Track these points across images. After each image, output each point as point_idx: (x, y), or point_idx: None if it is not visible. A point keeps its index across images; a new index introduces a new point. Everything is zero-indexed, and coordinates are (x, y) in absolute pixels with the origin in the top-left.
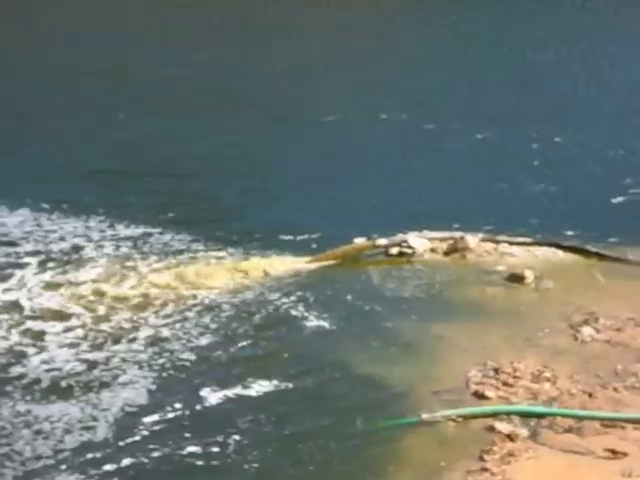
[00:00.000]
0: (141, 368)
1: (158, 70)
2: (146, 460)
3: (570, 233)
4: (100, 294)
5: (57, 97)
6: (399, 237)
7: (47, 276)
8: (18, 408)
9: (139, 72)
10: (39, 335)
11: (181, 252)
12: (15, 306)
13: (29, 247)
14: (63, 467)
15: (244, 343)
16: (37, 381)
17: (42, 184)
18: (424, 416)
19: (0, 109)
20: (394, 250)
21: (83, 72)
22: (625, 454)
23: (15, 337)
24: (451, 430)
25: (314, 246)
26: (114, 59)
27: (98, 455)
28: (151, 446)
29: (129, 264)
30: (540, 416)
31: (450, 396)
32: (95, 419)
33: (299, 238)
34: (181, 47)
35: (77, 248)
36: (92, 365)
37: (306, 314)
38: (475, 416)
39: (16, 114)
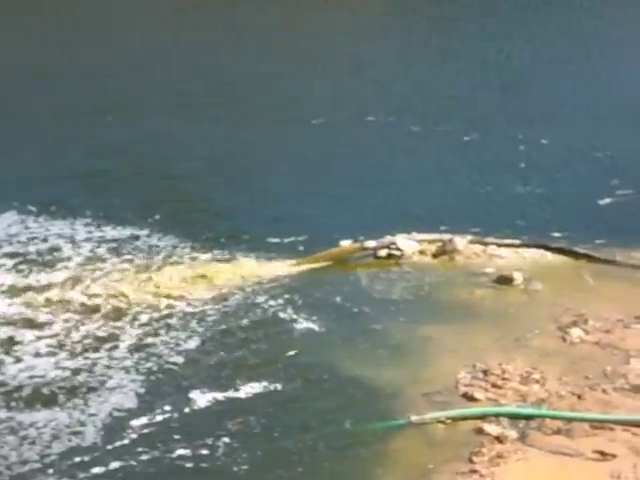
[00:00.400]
0: (128, 373)
1: (146, 71)
2: (135, 463)
3: (557, 235)
4: (82, 298)
5: (45, 98)
6: (388, 239)
7: (25, 280)
8: (1, 416)
9: (126, 73)
10: (11, 342)
11: (167, 254)
12: None
13: (10, 249)
14: (50, 471)
15: (233, 346)
16: (18, 389)
17: (30, 186)
18: (413, 418)
19: None
20: (383, 252)
21: (70, 73)
22: (614, 456)
23: None
24: (440, 432)
25: (301, 248)
26: (102, 60)
27: (86, 459)
28: (140, 449)
29: (115, 267)
30: (529, 418)
31: (439, 398)
32: (83, 424)
33: (286, 240)
34: (170, 49)
35: (60, 251)
36: (75, 372)
37: (295, 316)
38: (464, 418)
39: (1, 115)
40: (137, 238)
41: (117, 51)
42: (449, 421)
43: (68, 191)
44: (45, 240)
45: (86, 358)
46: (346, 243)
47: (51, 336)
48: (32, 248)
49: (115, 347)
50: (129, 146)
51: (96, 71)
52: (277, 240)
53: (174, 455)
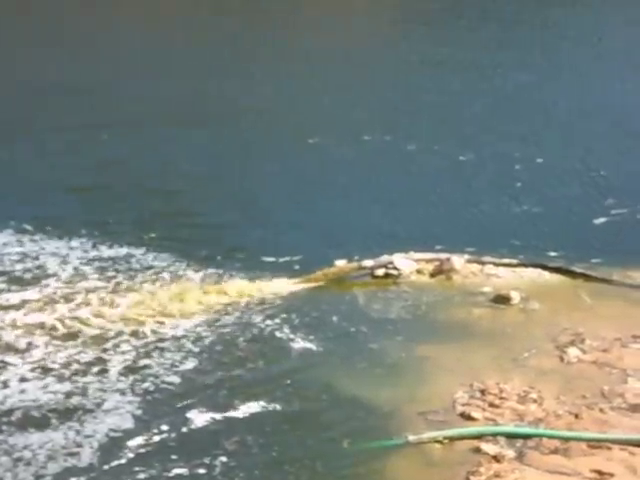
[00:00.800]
0: (124, 394)
1: (141, 86)
2: None
3: (553, 254)
4: (74, 319)
5: (39, 113)
6: (385, 258)
7: (13, 300)
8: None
9: (121, 89)
10: None
11: (163, 273)
12: None
13: (2, 269)
14: None
15: (229, 365)
16: (9, 413)
17: (26, 204)
18: (410, 437)
19: None
20: (380, 271)
21: (64, 87)
22: (612, 475)
23: None
24: (437, 451)
25: (297, 267)
26: (96, 74)
27: (82, 479)
28: (137, 468)
29: (110, 286)
30: (526, 437)
31: (436, 417)
32: (79, 445)
33: (281, 260)
34: (166, 63)
35: (54, 271)
36: (69, 394)
37: (292, 336)
38: (461, 437)
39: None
40: (132, 256)
41: (111, 65)
42: (446, 440)
43: (64, 209)
44: (38, 259)
45: (79, 381)
46: (341, 262)
47: (41, 359)
48: (25, 267)
49: (109, 369)
50: (126, 162)
51: (91, 85)
52: (272, 259)
53: (171, 474)
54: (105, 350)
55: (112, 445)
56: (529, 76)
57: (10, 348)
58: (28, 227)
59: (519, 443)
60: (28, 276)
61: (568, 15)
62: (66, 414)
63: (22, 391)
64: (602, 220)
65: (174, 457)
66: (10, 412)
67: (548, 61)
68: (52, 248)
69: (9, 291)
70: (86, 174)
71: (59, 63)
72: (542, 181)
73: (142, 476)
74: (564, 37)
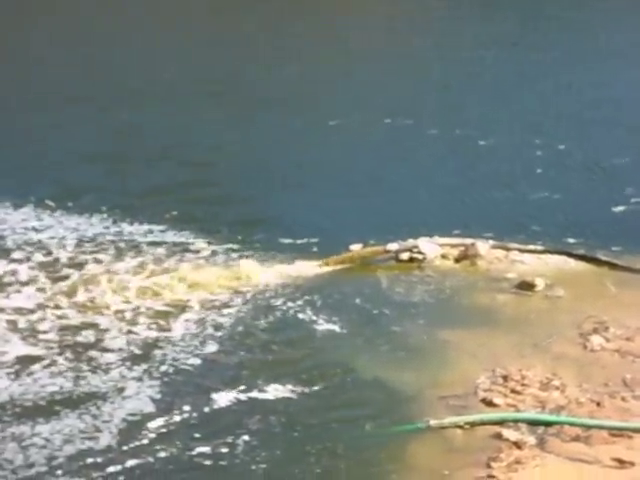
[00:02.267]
0: (143, 378)
1: (167, 61)
2: (152, 460)
3: (572, 241)
4: (93, 298)
5: (59, 88)
6: (410, 242)
7: (32, 279)
8: (9, 427)
9: (146, 61)
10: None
11: (183, 251)
12: None
13: (20, 246)
14: (59, 472)
15: (252, 348)
16: (22, 397)
17: (46, 178)
18: (432, 422)
19: (4, 102)
20: (405, 255)
21: (87, 60)
22: (632, 464)
23: None
24: (458, 437)
25: (314, 249)
26: (123, 46)
27: (100, 460)
28: (158, 447)
29: (129, 264)
30: (548, 424)
31: (458, 402)
32: (98, 429)
33: (299, 242)
34: (193, 42)
35: (72, 248)
36: (86, 379)
37: (315, 318)
38: (483, 423)
39: (24, 106)
40: (152, 233)
41: (139, 38)
42: (468, 426)
43: (85, 183)
44: (58, 236)
45: (95, 364)
46: (357, 246)
47: (58, 339)
48: (44, 244)
49: (127, 351)
50: (148, 136)
51: (116, 58)
52: (290, 241)
53: (193, 453)
54: (122, 331)
55: (132, 427)
56: (555, 62)
57: (24, 329)
58: (49, 202)
59: (540, 430)
60: (51, 255)
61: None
62: (84, 399)
63: (31, 374)
64: (622, 208)
65: (196, 436)
66: (24, 397)
67: (576, 47)
68: (72, 224)
69: (32, 269)
70: (106, 147)
71: (86, 37)
72: (562, 168)
73: (163, 455)
74: (595, 21)
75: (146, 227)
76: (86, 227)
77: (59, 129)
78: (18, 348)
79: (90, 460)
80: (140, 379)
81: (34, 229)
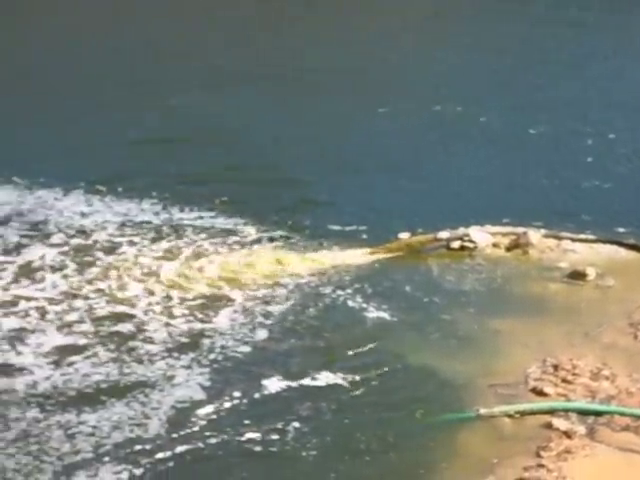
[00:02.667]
0: (193, 366)
1: (219, 45)
2: (202, 446)
3: (622, 230)
4: (143, 285)
5: (110, 72)
6: (461, 231)
7: (84, 264)
8: (54, 415)
9: (209, 48)
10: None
11: (232, 239)
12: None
13: (69, 232)
14: (106, 459)
15: (302, 335)
16: (67, 389)
17: (97, 163)
18: (481, 411)
19: (56, 86)
20: (456, 244)
21: (148, 47)
22: None
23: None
24: (508, 426)
25: (364, 237)
26: (187, 33)
27: (149, 447)
28: (208, 434)
29: (177, 250)
30: (598, 414)
31: (508, 391)
32: (146, 417)
33: (348, 229)
34: (256, 29)
35: (122, 232)
36: (131, 368)
37: (365, 305)
38: (533, 412)
39: (73, 90)
40: (202, 219)
41: (194, 23)
42: (517, 415)
43: (136, 168)
44: (104, 222)
45: (145, 353)
46: (405, 235)
47: (97, 328)
48: (88, 229)
49: (178, 338)
50: (199, 120)
51: (169, 42)
52: (339, 228)
53: (243, 439)
54: (168, 319)
55: (182, 414)
56: (613, 53)
57: (60, 318)
58: (99, 187)
59: (590, 420)
60: (100, 241)
61: None
62: (131, 388)
63: (72, 364)
64: None
65: (247, 423)
66: (68, 386)
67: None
68: (123, 209)
69: (84, 255)
70: (158, 131)
71: (132, 18)
72: (613, 157)
73: (213, 441)
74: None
75: (196, 213)
76: (136, 213)
77: (110, 113)
78: (55, 338)
79: (138, 447)
80: (189, 367)
81: (82, 214)
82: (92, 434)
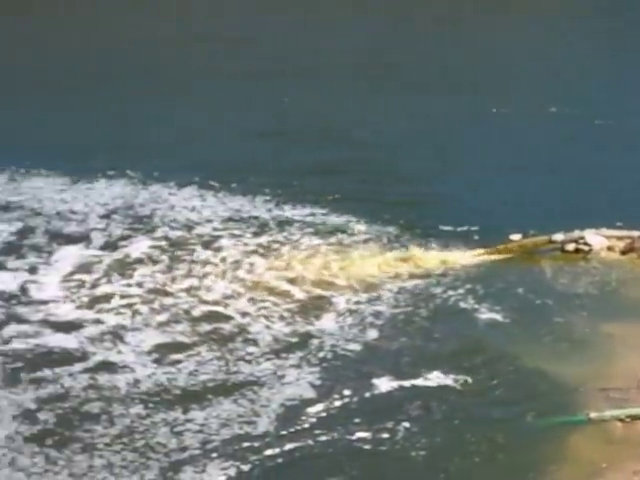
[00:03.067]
0: (302, 363)
1: (333, 43)
2: (312, 444)
3: None
4: (255, 280)
5: (223, 65)
6: (576, 234)
7: (193, 262)
8: (159, 413)
9: (309, 40)
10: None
11: (344, 239)
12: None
13: (179, 227)
14: (213, 455)
15: (413, 335)
16: (172, 388)
17: (212, 157)
18: (592, 415)
19: (171, 83)
20: (570, 246)
21: (255, 39)
22: None
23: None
24: (618, 430)
25: (475, 238)
26: (290, 25)
27: (257, 444)
28: (317, 431)
29: (288, 247)
30: None
31: (619, 395)
32: (256, 414)
33: (459, 229)
34: (365, 27)
35: (232, 227)
36: (237, 367)
37: (476, 306)
38: None
39: (191, 88)
40: (313, 216)
41: (312, 21)
42: (628, 419)
43: (250, 165)
44: (217, 217)
45: (252, 350)
46: (517, 236)
47: (199, 326)
48: (199, 224)
49: (287, 337)
50: (313, 116)
51: (286, 38)
52: (450, 228)
53: (353, 437)
54: (276, 315)
55: (291, 412)
56: None
57: (159, 316)
58: (213, 183)
59: None
60: (211, 237)
61: None
62: (239, 386)
63: (175, 363)
64: None
65: (357, 421)
66: (172, 384)
67: None
68: (235, 205)
69: (194, 252)
70: (273, 126)
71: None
72: None
73: (323, 439)
74: None
75: (308, 210)
76: (249, 208)
77: (224, 109)
78: (154, 336)
79: (247, 444)
80: (299, 366)
81: (192, 209)
82: (200, 431)
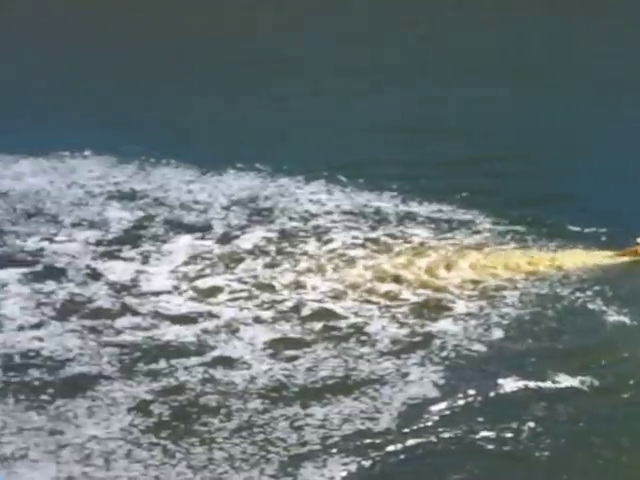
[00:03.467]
0: (425, 361)
1: (485, 40)
2: (435, 441)
3: None
4: (376, 277)
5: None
6: None
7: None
8: (277, 408)
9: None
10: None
11: (469, 234)
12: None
13: (295, 215)
14: (333, 451)
15: (540, 336)
16: (291, 384)
17: (340, 151)
18: None
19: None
20: None
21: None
22: None
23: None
24: None
25: (603, 239)
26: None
27: (379, 440)
28: (440, 429)
29: (410, 245)
30: None
31: None
32: (378, 411)
33: (587, 230)
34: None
35: (357, 223)
36: (357, 364)
37: (605, 308)
38: None
39: (324, 81)
40: (441, 212)
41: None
42: None
43: (378, 160)
44: (342, 212)
45: (374, 349)
46: None
47: (316, 323)
48: (322, 217)
49: (409, 335)
50: (444, 112)
51: (419, 32)
52: (578, 229)
53: (477, 436)
54: (396, 312)
55: (414, 410)
56: None
57: (269, 311)
58: (341, 177)
59: None
60: (339, 231)
61: None
62: (360, 384)
63: (292, 360)
64: None
65: (480, 420)
66: (291, 381)
67: None
68: (362, 200)
69: (287, 243)
70: (400, 121)
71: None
72: None
73: (445, 436)
74: None
75: (435, 206)
76: (377, 204)
77: (353, 103)
78: (267, 331)
79: (368, 440)
80: (422, 364)
81: (318, 202)
82: (320, 427)
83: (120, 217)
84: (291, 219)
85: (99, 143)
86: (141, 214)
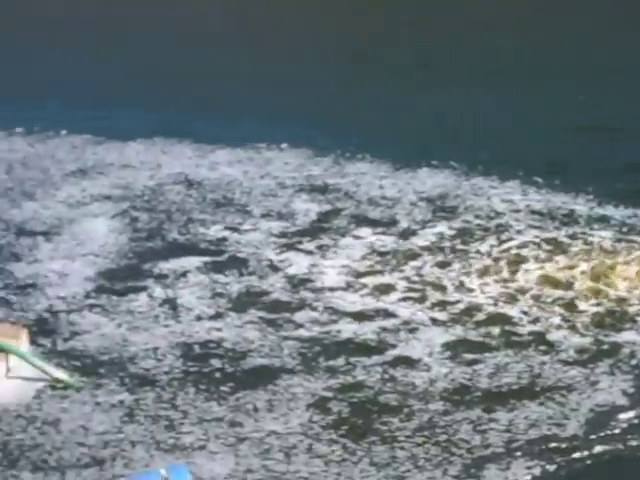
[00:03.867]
0: (614, 369)
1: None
2: (622, 448)
3: None
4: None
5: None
6: None
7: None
8: (460, 411)
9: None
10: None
11: None
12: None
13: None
14: (517, 454)
15: None
16: (475, 388)
17: (537, 154)
18: None
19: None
20: None
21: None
22: None
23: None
24: None
25: None
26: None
27: (564, 445)
28: (629, 437)
29: (596, 250)
30: None
31: None
32: (565, 417)
33: None
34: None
35: (541, 227)
36: (544, 371)
37: None
38: None
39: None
40: (637, 217)
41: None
42: None
43: (573, 160)
44: (537, 213)
45: (561, 355)
46: None
47: (496, 325)
48: (509, 218)
49: (595, 342)
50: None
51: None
52: None
53: None
54: (572, 321)
55: (601, 417)
56: None
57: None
58: (537, 178)
59: None
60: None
61: None
62: (546, 390)
63: (474, 363)
64: None
65: None
66: (475, 383)
67: None
68: (557, 202)
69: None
70: (597, 119)
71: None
72: None
73: (634, 444)
74: None
75: (630, 210)
76: (571, 206)
77: (545, 100)
78: (442, 333)
79: (554, 445)
80: (611, 373)
81: (510, 201)
82: (505, 430)
83: (307, 209)
84: (477, 217)
85: (296, 136)
86: (328, 207)
